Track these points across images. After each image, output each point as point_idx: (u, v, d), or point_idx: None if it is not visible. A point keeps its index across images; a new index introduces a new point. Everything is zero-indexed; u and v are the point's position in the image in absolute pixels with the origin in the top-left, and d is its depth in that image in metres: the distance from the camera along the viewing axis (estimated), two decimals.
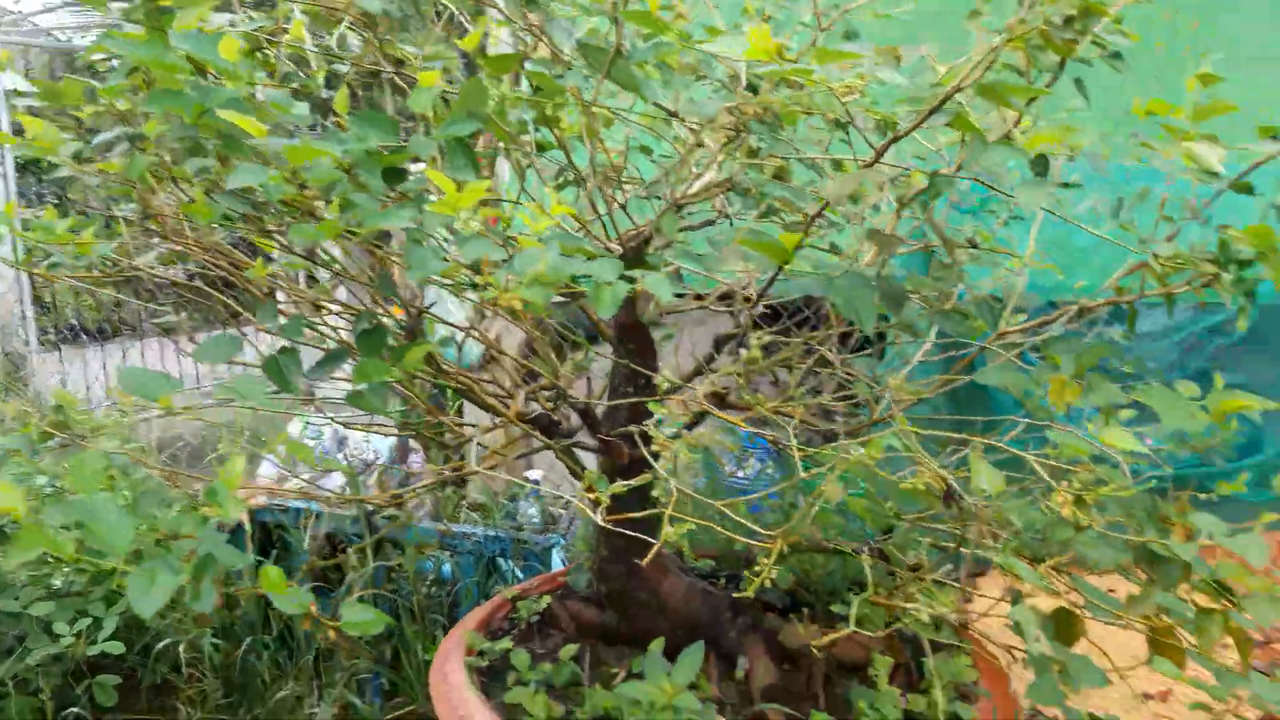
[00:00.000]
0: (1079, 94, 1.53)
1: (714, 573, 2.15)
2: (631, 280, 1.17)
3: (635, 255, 1.64)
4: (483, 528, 2.78)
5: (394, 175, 1.26)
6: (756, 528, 1.37)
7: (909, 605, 1.22)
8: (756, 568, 1.31)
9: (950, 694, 1.65)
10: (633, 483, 1.38)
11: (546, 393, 1.66)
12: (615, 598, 1.85)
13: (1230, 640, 1.38)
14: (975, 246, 2.01)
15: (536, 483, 3.21)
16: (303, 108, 1.32)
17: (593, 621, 1.92)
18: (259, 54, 1.74)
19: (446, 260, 1.13)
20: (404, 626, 2.60)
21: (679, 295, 2.17)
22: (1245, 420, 3.46)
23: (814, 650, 1.68)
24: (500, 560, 2.77)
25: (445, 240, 1.29)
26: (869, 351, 2.27)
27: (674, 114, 1.54)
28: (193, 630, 2.73)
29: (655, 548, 1.34)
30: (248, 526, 2.90)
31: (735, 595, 1.86)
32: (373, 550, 2.76)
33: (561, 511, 3.10)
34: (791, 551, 1.85)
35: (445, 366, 1.63)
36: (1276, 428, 3.39)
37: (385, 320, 1.30)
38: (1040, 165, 1.61)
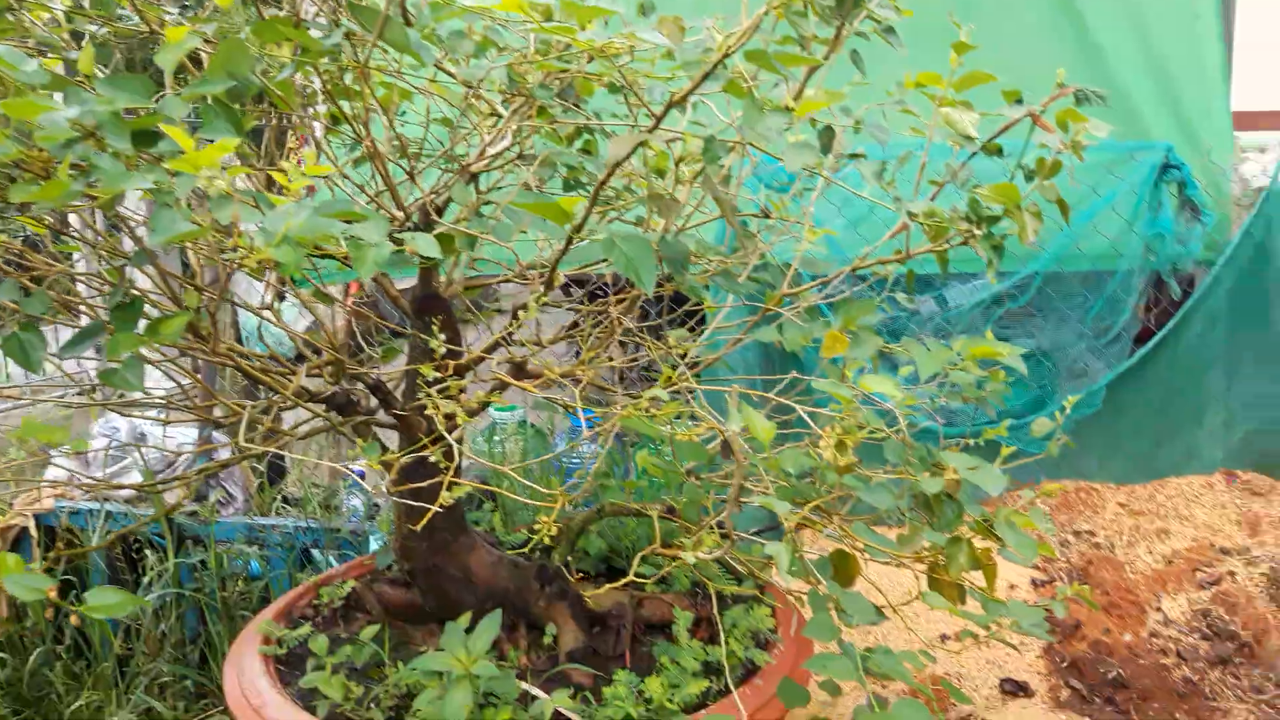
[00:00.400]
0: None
1: (530, 545, 2.15)
2: (400, 244, 1.15)
3: (425, 224, 1.62)
4: (293, 519, 2.68)
5: (146, 139, 1.19)
6: (546, 491, 1.38)
7: (675, 553, 1.25)
8: (537, 527, 1.31)
9: (748, 642, 1.71)
10: (418, 452, 1.36)
11: (329, 369, 1.62)
12: (421, 575, 1.82)
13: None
14: (766, 216, 2.08)
15: (360, 474, 3.13)
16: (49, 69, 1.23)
17: (400, 602, 1.89)
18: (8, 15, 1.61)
19: (199, 225, 1.08)
20: (210, 626, 2.49)
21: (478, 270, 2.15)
22: (1035, 380, 3.70)
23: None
24: (314, 552, 2.68)
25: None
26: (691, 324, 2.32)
27: (451, 75, 1.52)
28: None
29: (429, 513, 1.33)
30: (34, 533, 2.71)
31: (543, 564, 1.87)
32: (175, 548, 2.63)
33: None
34: (599, 517, 1.87)
35: (223, 342, 1.55)
36: (1063, 388, 3.65)
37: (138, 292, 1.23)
38: (826, 136, 1.68)
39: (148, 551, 2.57)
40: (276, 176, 1.08)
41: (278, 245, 0.98)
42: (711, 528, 1.39)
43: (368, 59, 1.36)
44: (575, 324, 2.16)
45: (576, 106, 1.71)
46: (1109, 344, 3.34)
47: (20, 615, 2.65)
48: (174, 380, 1.52)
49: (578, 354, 2.09)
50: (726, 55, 1.33)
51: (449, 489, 1.28)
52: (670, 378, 1.33)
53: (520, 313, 1.83)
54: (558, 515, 2.05)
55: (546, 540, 1.29)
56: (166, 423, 2.37)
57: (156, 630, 2.49)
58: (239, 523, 2.66)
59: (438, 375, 1.40)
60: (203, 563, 2.54)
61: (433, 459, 1.34)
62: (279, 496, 3.20)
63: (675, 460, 1.63)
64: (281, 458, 3.41)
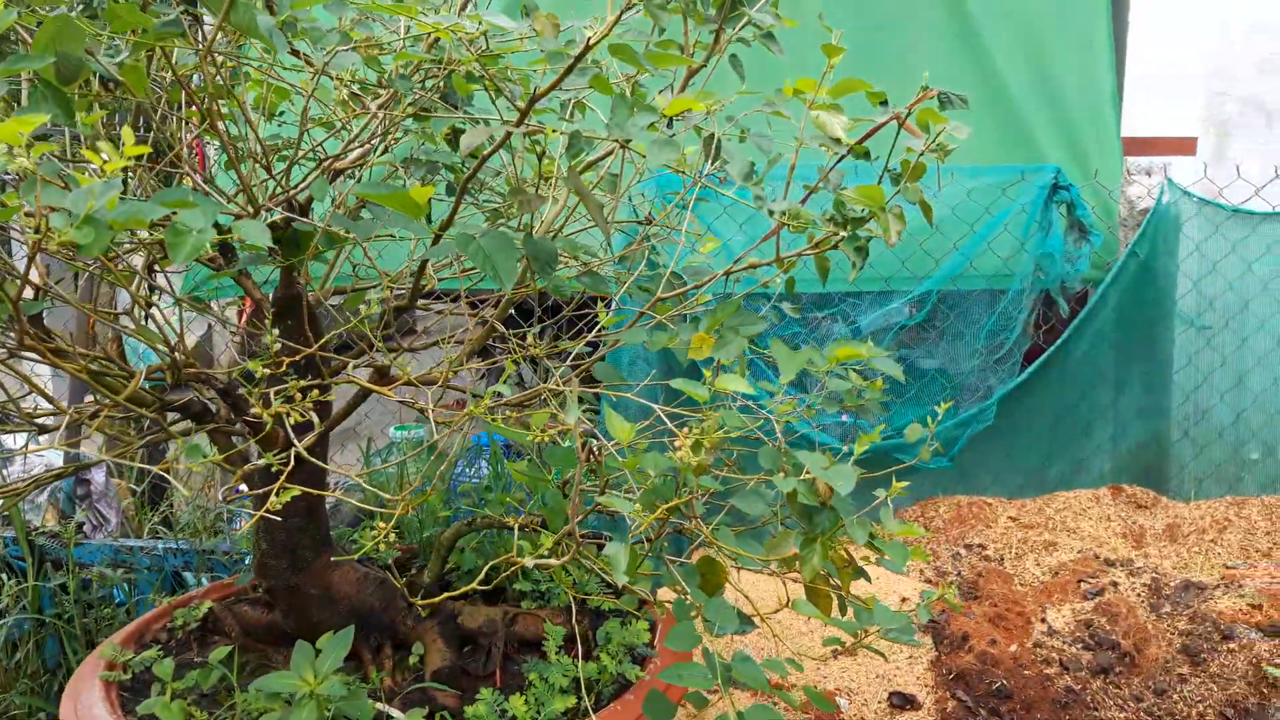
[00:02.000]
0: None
1: (406, 563, 2.07)
2: (225, 230, 1.08)
3: (284, 222, 1.55)
4: (163, 541, 2.55)
5: None
6: (389, 498, 1.31)
7: (518, 560, 1.20)
8: (372, 532, 1.25)
9: (622, 657, 1.66)
10: (262, 463, 1.28)
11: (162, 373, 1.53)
12: (281, 594, 1.73)
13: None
14: (648, 223, 2.06)
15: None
16: None
17: (261, 623, 1.79)
18: None
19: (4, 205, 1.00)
20: (70, 655, 2.34)
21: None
22: (932, 397, 3.72)
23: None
24: (187, 574, 2.55)
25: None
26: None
27: (308, 62, 1.46)
28: None
29: (258, 514, 1.25)
30: None
31: (411, 581, 1.79)
32: (35, 571, 2.48)
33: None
34: (470, 529, 1.80)
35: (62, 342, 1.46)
36: (960, 403, 3.70)
37: None
38: (709, 143, 1.66)
39: (2, 575, 2.41)
40: (90, 155, 1.00)
41: (80, 227, 0.91)
42: (566, 536, 1.34)
43: (210, 43, 1.29)
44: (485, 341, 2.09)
45: (452, 106, 1.66)
46: (999, 361, 3.39)
47: None
48: None
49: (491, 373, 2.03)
50: (588, 48, 1.30)
51: (278, 495, 1.20)
52: (509, 373, 1.28)
53: (389, 318, 1.77)
54: (430, 532, 1.98)
55: (378, 551, 1.22)
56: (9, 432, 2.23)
57: (11, 660, 2.33)
58: (104, 545, 2.52)
59: (269, 373, 1.32)
60: (63, 587, 2.39)
61: (274, 467, 1.27)
62: (156, 518, 3.05)
63: (544, 468, 1.58)
64: (163, 477, 3.26)
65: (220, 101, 1.63)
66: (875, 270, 3.41)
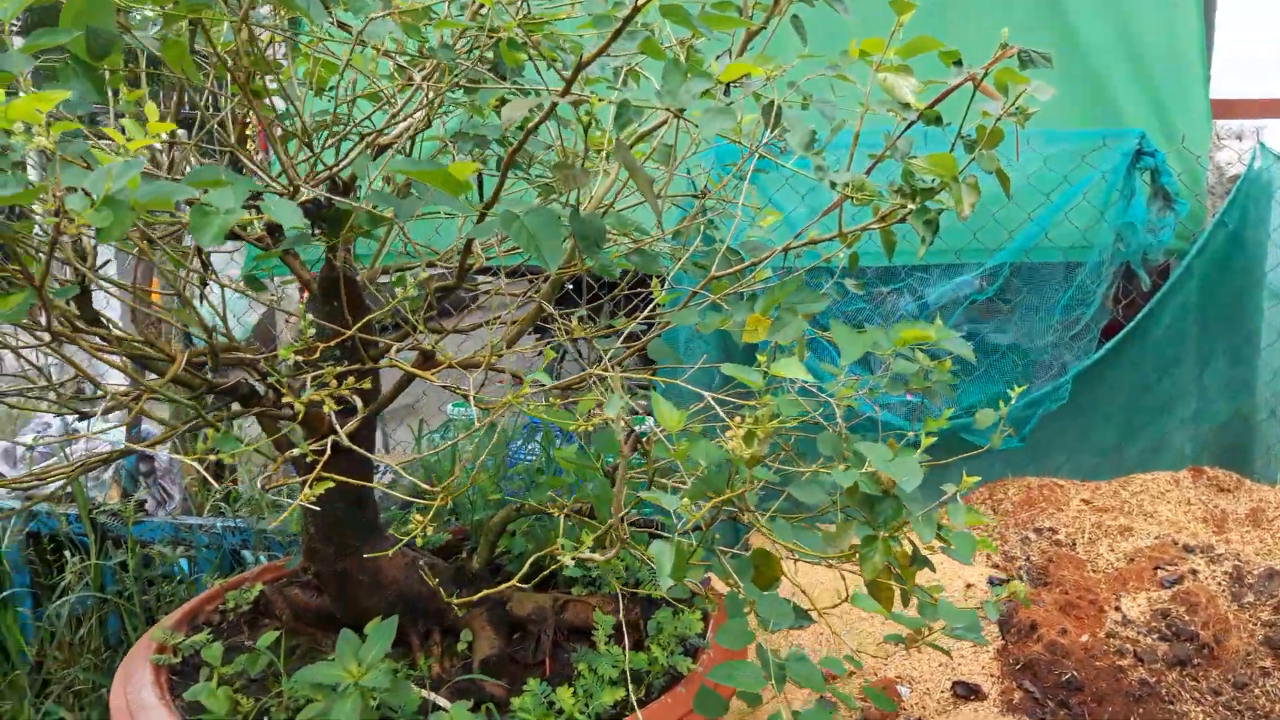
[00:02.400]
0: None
1: (458, 545, 2.04)
2: (254, 210, 1.03)
3: (327, 201, 1.51)
4: (221, 519, 2.56)
5: None
6: (428, 488, 1.27)
7: (557, 554, 1.14)
8: (410, 524, 1.20)
9: (674, 648, 1.60)
10: (296, 452, 1.24)
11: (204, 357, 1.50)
12: (329, 579, 1.71)
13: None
14: (703, 196, 1.97)
15: None
16: None
17: (311, 606, 1.78)
18: None
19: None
20: (128, 630, 2.37)
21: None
22: (1005, 375, 3.59)
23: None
24: (245, 552, 2.56)
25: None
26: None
27: (345, 31, 1.41)
28: None
29: (295, 503, 1.21)
30: None
31: (460, 566, 1.76)
32: (97, 549, 2.51)
33: None
34: (518, 516, 1.76)
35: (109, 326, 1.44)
36: (1033, 381, 3.55)
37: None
38: (769, 110, 1.57)
39: (66, 553, 2.45)
40: (112, 134, 0.96)
41: (99, 209, 0.87)
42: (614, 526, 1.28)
43: (245, 14, 1.24)
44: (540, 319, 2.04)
45: (501, 77, 1.60)
46: (1075, 336, 3.24)
47: None
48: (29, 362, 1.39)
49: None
50: (636, 10, 1.22)
51: (311, 487, 1.16)
52: (548, 360, 1.22)
53: (431, 296, 1.72)
54: (481, 515, 1.94)
55: (422, 539, 1.17)
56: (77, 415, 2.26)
57: (74, 636, 2.37)
58: (164, 523, 2.54)
59: (300, 360, 1.28)
60: (123, 564, 2.42)
61: (309, 457, 1.23)
62: (218, 496, 3.07)
63: (593, 454, 1.53)
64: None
65: (267, 76, 1.59)
66: (945, 242, 3.27)
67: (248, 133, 1.80)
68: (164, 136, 1.08)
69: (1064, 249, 3.27)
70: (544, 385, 1.31)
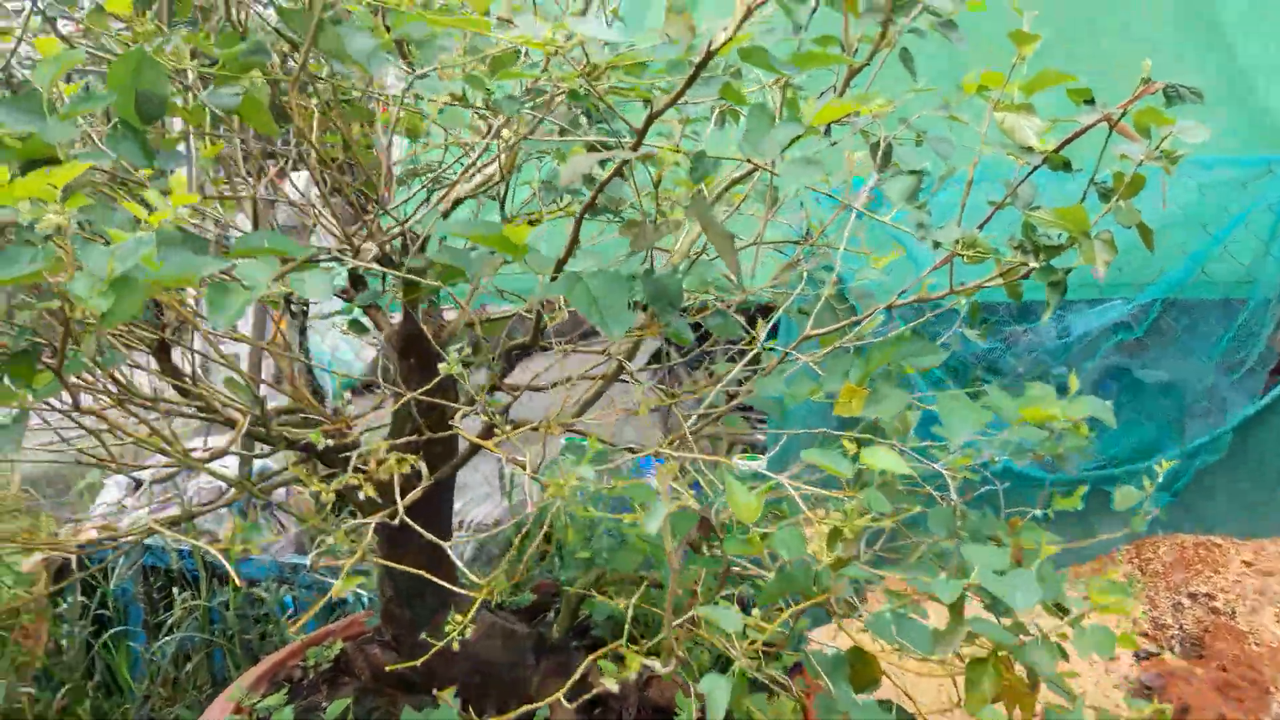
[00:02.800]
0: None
1: (543, 606, 1.95)
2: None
3: (388, 257, 1.45)
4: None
5: (39, 166, 1.05)
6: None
7: (603, 683, 1.02)
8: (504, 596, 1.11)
9: None
10: (356, 524, 1.18)
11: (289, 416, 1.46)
12: (405, 642, 1.64)
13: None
14: (805, 242, 1.83)
15: None
16: None
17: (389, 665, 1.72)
18: None
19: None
20: (231, 669, 2.38)
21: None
22: (1147, 420, 3.28)
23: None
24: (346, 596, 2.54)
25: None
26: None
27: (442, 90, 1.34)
28: (10, 677, 2.49)
29: (348, 562, 1.14)
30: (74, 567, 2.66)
31: (540, 633, 1.67)
32: (206, 587, 2.54)
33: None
34: (598, 584, 1.65)
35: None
36: (1187, 427, 3.24)
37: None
38: (876, 150, 1.44)
39: (174, 590, 2.48)
40: (131, 208, 0.91)
41: (104, 293, 0.81)
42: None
43: (302, 67, 1.19)
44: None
45: (588, 122, 1.51)
46: (1240, 380, 2.93)
47: (60, 649, 2.60)
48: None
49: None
50: (709, 56, 1.10)
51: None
52: (593, 451, 1.10)
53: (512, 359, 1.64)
54: (568, 575, 1.85)
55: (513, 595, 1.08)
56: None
57: (179, 672, 2.40)
58: (271, 562, 2.55)
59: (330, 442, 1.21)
60: (226, 604, 2.44)
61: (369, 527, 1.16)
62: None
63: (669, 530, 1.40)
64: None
65: (345, 128, 1.54)
66: (1087, 276, 3.01)
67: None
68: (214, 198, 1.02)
69: (1224, 285, 2.96)
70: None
